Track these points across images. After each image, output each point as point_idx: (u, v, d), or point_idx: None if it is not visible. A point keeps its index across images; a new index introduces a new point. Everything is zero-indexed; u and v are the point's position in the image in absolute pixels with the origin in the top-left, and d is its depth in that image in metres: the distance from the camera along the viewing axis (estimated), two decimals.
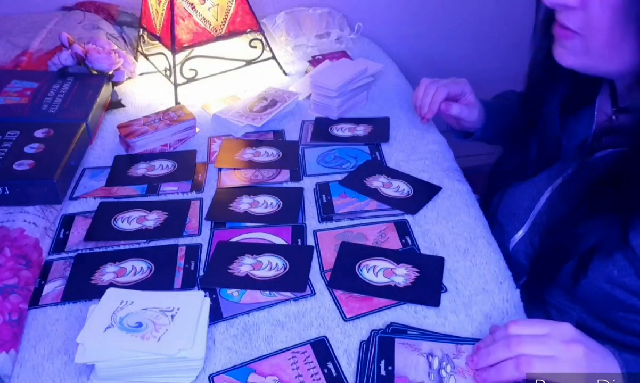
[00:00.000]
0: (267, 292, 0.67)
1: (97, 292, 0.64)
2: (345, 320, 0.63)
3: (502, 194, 0.79)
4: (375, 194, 0.81)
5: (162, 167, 0.88)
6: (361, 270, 0.69)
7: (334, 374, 0.57)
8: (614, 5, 0.57)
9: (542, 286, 0.68)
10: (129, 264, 0.71)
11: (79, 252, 0.73)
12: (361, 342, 0.60)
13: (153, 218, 0.78)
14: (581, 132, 0.72)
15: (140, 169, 0.87)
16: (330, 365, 0.58)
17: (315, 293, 0.67)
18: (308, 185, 0.84)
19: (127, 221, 0.77)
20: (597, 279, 0.62)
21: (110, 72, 1.05)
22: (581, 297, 0.61)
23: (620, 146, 0.65)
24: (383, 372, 0.56)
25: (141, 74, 1.14)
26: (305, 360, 0.59)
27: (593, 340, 0.56)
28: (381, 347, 0.58)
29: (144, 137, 0.92)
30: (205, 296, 0.63)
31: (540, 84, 0.74)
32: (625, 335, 0.63)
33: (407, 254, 0.72)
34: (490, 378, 0.55)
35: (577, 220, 0.64)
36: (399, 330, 0.61)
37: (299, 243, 0.74)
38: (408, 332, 0.61)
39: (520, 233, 0.74)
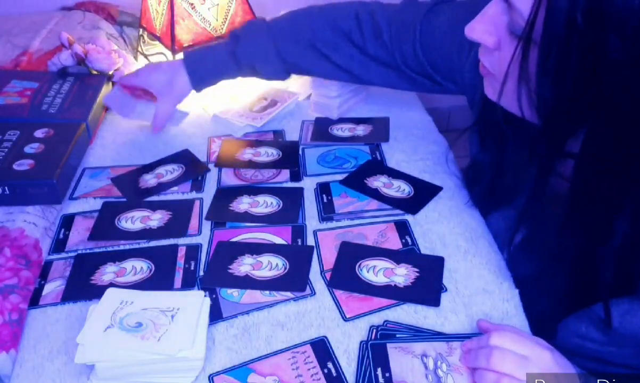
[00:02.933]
0: (267, 292, 0.67)
1: (97, 292, 0.64)
2: (345, 320, 0.63)
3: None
4: (375, 194, 0.81)
5: (169, 172, 0.87)
6: (361, 270, 0.69)
7: (334, 374, 0.57)
8: (514, 53, 0.55)
9: None
10: (129, 264, 0.71)
11: (79, 252, 0.73)
12: (361, 342, 0.60)
13: (157, 218, 0.78)
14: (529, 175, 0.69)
15: (151, 180, 0.86)
16: (330, 365, 0.58)
17: (315, 293, 0.67)
18: (308, 185, 0.84)
19: (131, 221, 0.77)
20: (567, 335, 0.63)
21: (110, 72, 1.05)
22: (555, 345, 0.62)
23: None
24: (381, 380, 0.56)
25: None
26: (305, 360, 0.59)
27: (571, 369, 0.56)
28: (375, 354, 0.58)
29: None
30: (205, 296, 0.63)
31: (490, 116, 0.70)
32: (605, 365, 0.63)
33: (407, 254, 0.72)
34: (474, 380, 0.56)
35: (537, 281, 0.65)
36: (387, 334, 0.61)
37: (299, 243, 0.74)
38: (397, 336, 0.61)
39: None
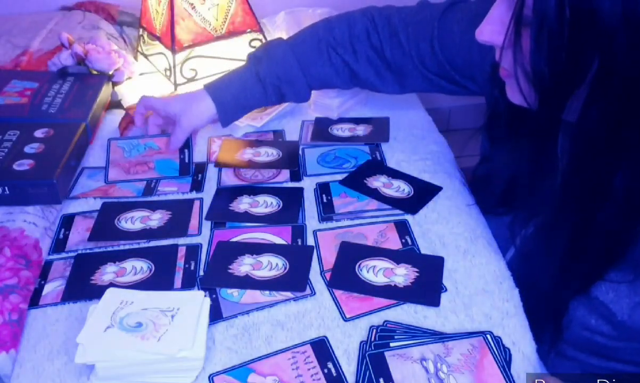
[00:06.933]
0: (267, 292, 0.67)
1: (97, 292, 0.64)
2: (345, 320, 0.63)
3: None
4: (375, 194, 0.81)
5: None
6: (361, 270, 0.69)
7: (334, 374, 0.57)
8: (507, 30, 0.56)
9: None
10: (129, 264, 0.71)
11: (79, 252, 0.73)
12: (361, 342, 0.60)
13: (157, 218, 0.78)
14: (546, 181, 0.69)
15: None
16: (330, 365, 0.58)
17: (315, 293, 0.67)
18: (308, 185, 0.84)
19: (131, 221, 0.77)
20: (576, 328, 0.63)
21: (110, 72, 1.05)
22: (564, 340, 0.62)
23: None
24: None
25: (141, 74, 1.14)
26: (305, 360, 0.59)
27: None
28: (374, 364, 0.58)
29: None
30: (205, 296, 0.63)
31: (502, 121, 0.71)
32: (609, 362, 0.63)
33: (407, 254, 0.72)
34: None
35: (551, 274, 0.64)
36: (386, 335, 0.61)
37: (299, 243, 0.74)
38: (395, 337, 0.60)
39: None
